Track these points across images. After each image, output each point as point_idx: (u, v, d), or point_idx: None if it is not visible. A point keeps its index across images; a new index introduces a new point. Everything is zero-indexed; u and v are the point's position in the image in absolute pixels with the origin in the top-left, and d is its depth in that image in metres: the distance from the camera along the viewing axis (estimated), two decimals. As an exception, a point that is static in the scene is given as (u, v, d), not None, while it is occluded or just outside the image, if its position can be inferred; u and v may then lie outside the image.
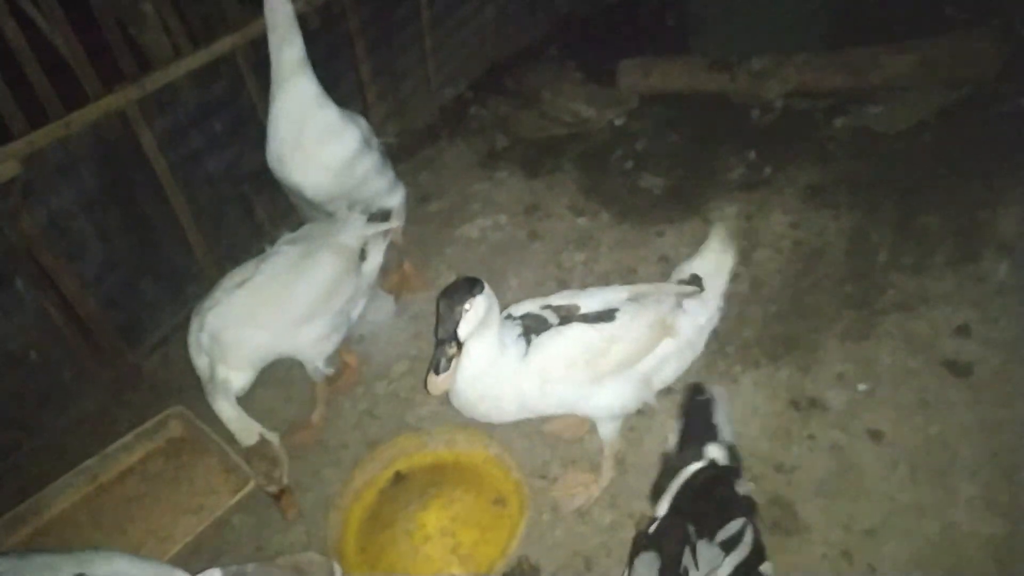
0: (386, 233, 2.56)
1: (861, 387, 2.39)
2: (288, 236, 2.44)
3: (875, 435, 2.25)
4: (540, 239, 3.24)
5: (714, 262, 2.16)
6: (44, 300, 2.52)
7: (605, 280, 2.95)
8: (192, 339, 2.21)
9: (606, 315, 1.95)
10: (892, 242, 2.90)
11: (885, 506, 2.07)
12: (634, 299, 2.00)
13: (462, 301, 1.71)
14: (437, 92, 4.25)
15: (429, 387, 1.74)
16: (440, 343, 1.72)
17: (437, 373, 1.72)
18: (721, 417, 1.76)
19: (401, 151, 3.85)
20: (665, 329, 1.99)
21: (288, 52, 2.24)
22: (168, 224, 2.87)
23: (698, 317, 2.06)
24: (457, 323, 1.71)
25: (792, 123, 3.68)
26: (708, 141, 3.68)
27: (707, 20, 4.14)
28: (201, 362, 2.22)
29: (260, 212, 3.26)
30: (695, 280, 2.12)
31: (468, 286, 1.72)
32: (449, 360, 1.74)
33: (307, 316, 2.23)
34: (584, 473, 2.27)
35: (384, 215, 2.59)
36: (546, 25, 5.03)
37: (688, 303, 2.05)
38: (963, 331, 2.50)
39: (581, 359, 1.89)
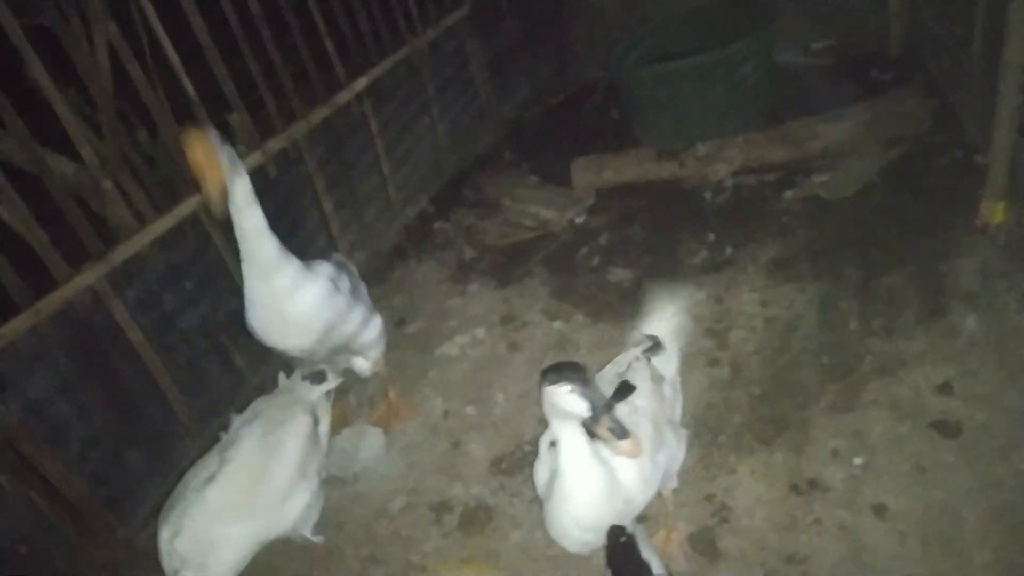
0: (329, 392, 2.60)
1: (857, 461, 2.40)
2: (239, 418, 2.44)
3: (879, 510, 2.24)
4: (520, 350, 3.27)
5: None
6: (27, 489, 2.47)
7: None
8: (164, 549, 2.06)
9: (626, 388, 2.08)
10: (860, 307, 2.96)
11: (903, 585, 2.04)
12: (623, 370, 2.19)
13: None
14: (400, 212, 4.35)
15: (631, 451, 1.68)
16: (600, 413, 1.66)
17: (626, 436, 1.66)
18: (647, 552, 1.78)
19: (372, 275, 3.90)
20: (656, 377, 2.19)
21: (248, 222, 2.30)
22: (147, 389, 2.86)
23: (670, 358, 2.32)
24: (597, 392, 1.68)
25: (744, 201, 3.81)
26: (668, 228, 3.78)
27: (649, 112, 4.32)
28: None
29: (239, 359, 3.26)
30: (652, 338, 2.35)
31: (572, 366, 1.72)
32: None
33: (288, 492, 2.22)
34: None
35: (320, 375, 2.61)
36: (497, 132, 5.22)
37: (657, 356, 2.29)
38: (945, 389, 2.53)
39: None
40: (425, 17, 4.50)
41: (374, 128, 4.03)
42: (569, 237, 3.95)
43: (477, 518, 2.59)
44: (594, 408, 1.68)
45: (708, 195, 3.91)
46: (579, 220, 4.04)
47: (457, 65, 4.93)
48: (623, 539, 1.80)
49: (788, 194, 3.71)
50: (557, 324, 3.36)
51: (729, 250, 3.48)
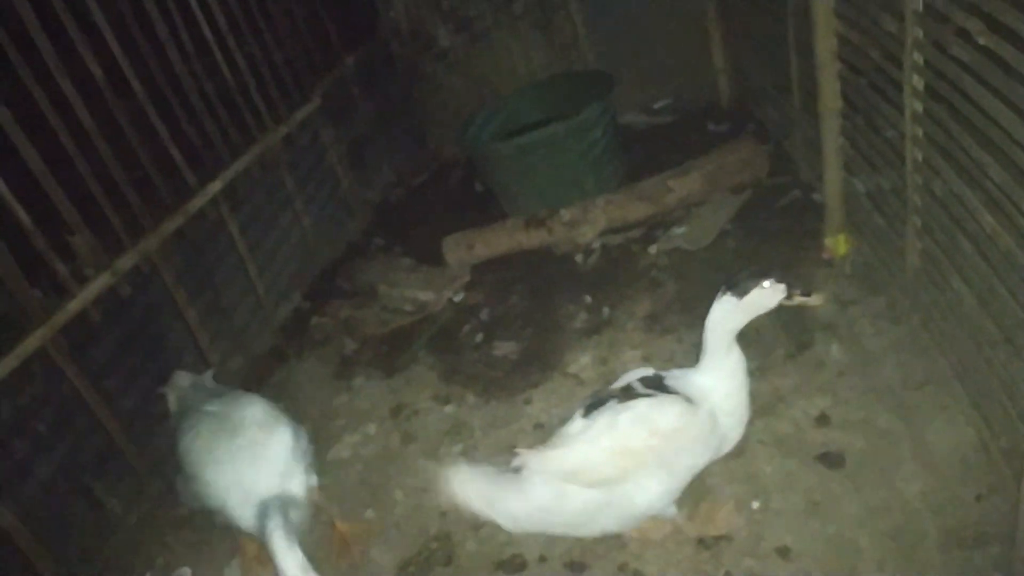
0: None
1: (755, 505, 2.45)
2: None
3: (783, 552, 2.29)
4: (414, 440, 3.18)
5: None
6: None
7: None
8: None
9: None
10: (735, 350, 3.08)
11: (817, 624, 2.08)
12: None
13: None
14: (273, 312, 4.20)
15: (822, 302, 2.14)
16: (794, 286, 2.01)
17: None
18: None
19: (251, 382, 3.72)
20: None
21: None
22: (8, 556, 2.56)
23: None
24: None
25: (614, 260, 3.93)
26: (545, 295, 3.84)
27: (511, 184, 4.42)
28: None
29: (108, 499, 2.99)
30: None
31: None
32: None
33: None
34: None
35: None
36: (364, 218, 5.18)
37: None
38: (823, 420, 2.66)
39: None
40: (275, 113, 4.44)
41: (234, 231, 3.90)
42: (450, 316, 3.93)
43: (390, 632, 2.45)
44: (790, 284, 2.00)
45: (579, 258, 4.01)
46: (457, 298, 4.04)
47: (315, 156, 4.88)
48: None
49: (653, 248, 3.86)
50: (449, 408, 3.30)
51: (606, 310, 3.56)
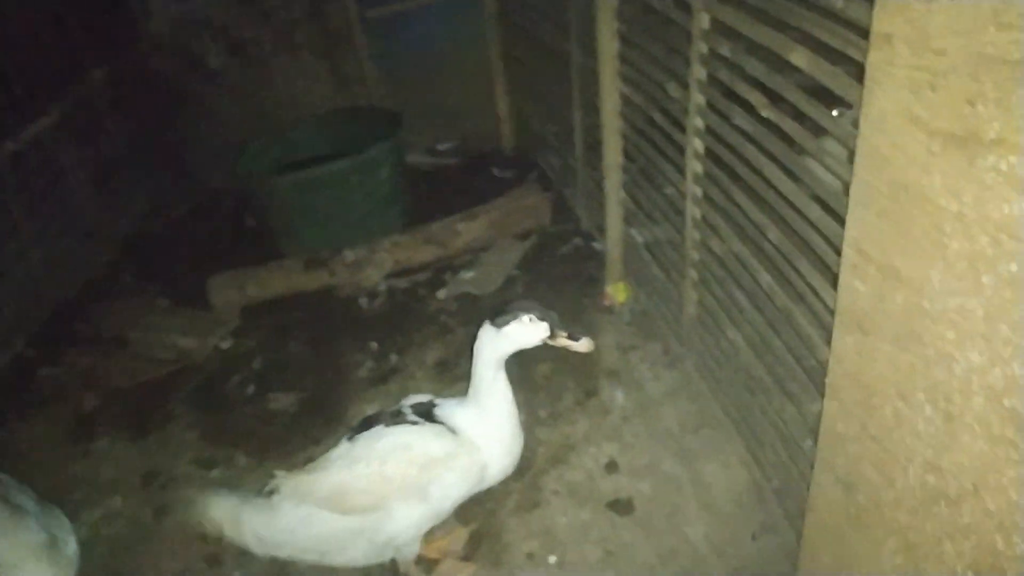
0: None
1: (551, 559, 2.41)
2: None
3: (582, 607, 2.25)
4: (169, 513, 2.75)
5: None
6: None
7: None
8: None
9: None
10: (526, 398, 3.05)
11: None
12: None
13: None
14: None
15: (591, 346, 2.03)
16: (557, 326, 2.01)
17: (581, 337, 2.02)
18: None
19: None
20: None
21: None
22: None
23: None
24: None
25: (401, 303, 3.78)
26: (327, 341, 3.57)
27: (289, 221, 4.11)
28: None
29: None
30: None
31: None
32: None
33: None
34: None
35: None
36: (111, 252, 4.54)
37: None
38: (612, 467, 2.70)
39: None
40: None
41: (-60, 262, 3.19)
42: (216, 366, 3.51)
43: None
44: (552, 324, 2.00)
45: (364, 301, 3.80)
46: (225, 345, 3.62)
47: (50, 179, 4.19)
48: None
49: (441, 293, 3.77)
50: (215, 473, 2.91)
51: (394, 357, 3.39)
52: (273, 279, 3.87)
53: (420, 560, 2.35)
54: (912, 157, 1.14)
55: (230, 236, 4.64)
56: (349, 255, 3.85)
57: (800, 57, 1.69)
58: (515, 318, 1.97)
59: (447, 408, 2.15)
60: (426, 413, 2.14)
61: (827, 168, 1.66)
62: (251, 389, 3.34)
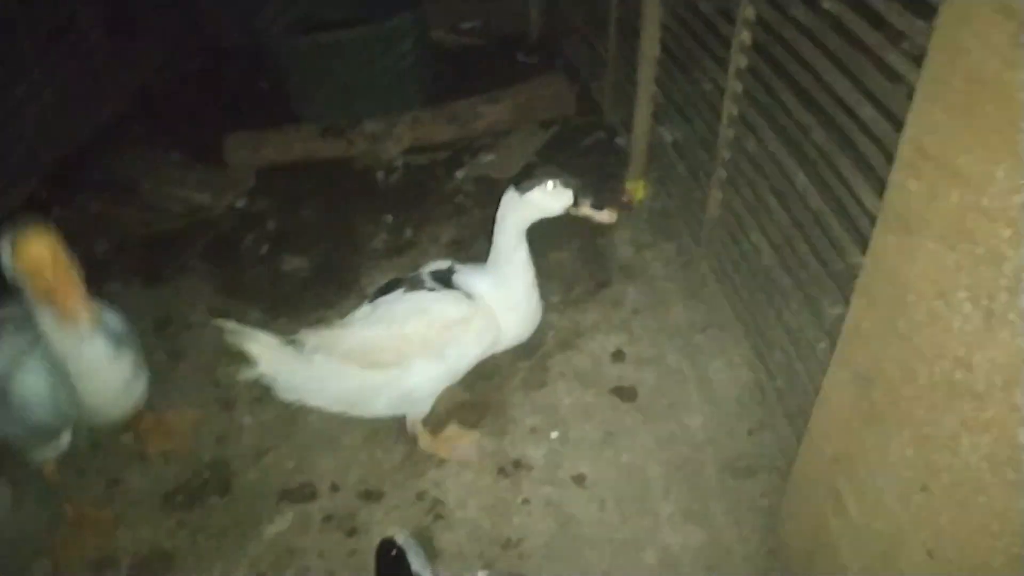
0: None
1: (553, 435, 2.49)
2: None
3: (579, 480, 2.35)
4: (183, 357, 2.82)
5: None
6: None
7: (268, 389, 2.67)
8: None
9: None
10: (539, 283, 3.08)
11: (607, 549, 2.17)
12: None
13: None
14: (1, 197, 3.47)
15: (613, 217, 2.04)
16: (581, 194, 1.99)
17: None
18: (417, 564, 1.74)
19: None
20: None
21: None
22: None
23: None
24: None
25: (417, 180, 3.75)
26: (342, 210, 3.56)
27: (307, 85, 4.01)
28: None
29: None
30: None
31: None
32: None
33: None
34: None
35: None
36: (122, 101, 4.44)
37: None
38: (618, 356, 2.76)
39: None
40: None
41: (-49, 92, 3.12)
42: (230, 224, 3.51)
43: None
44: (576, 192, 1.97)
45: (380, 175, 3.77)
46: (240, 204, 3.61)
47: (62, 19, 4.06)
48: (391, 553, 1.72)
49: (459, 173, 3.74)
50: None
51: (408, 232, 3.39)
52: (290, 143, 3.81)
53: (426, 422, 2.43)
54: (995, 48, 1.11)
55: (244, 97, 4.54)
56: (368, 126, 3.78)
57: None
58: (539, 183, 1.96)
59: (466, 274, 2.19)
60: (444, 279, 2.18)
61: (891, 65, 1.62)
62: (264, 249, 3.36)
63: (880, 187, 1.58)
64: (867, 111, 1.74)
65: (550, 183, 1.96)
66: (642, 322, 2.88)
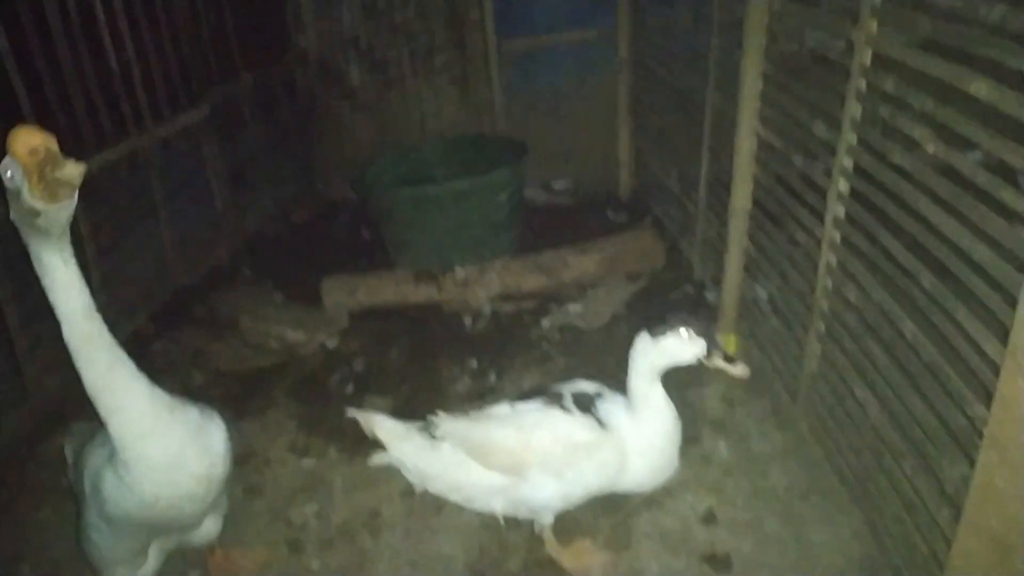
0: None
1: (639, 604, 2.27)
2: None
3: (666, 658, 2.10)
4: (260, 494, 2.78)
5: None
6: None
7: (341, 532, 2.58)
8: None
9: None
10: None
11: None
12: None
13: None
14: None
15: (743, 373, 2.03)
16: (713, 346, 2.02)
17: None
18: None
19: (74, 411, 3.15)
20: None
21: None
22: None
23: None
24: None
25: (504, 327, 3.76)
26: (427, 354, 3.58)
27: (405, 235, 4.20)
28: None
29: None
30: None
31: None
32: None
33: None
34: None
35: None
36: (235, 246, 4.74)
37: None
38: (709, 519, 2.54)
39: None
40: (156, 112, 4.02)
41: (83, 229, 3.40)
42: (320, 362, 3.57)
43: None
44: (709, 343, 1.99)
45: (468, 321, 3.81)
46: (331, 344, 3.69)
47: (192, 169, 4.46)
48: None
49: (546, 322, 3.73)
50: (307, 462, 2.92)
51: (492, 377, 3.35)
52: (383, 287, 3.93)
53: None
54: None
55: (346, 246, 4.78)
56: (460, 272, 3.88)
57: (981, 87, 1.59)
58: (673, 330, 1.99)
59: (608, 403, 2.20)
60: (584, 404, 2.20)
61: (1005, 202, 1.53)
62: (350, 388, 3.37)
63: (1002, 332, 1.45)
64: (982, 252, 1.63)
65: (684, 331, 1.99)
66: (735, 483, 2.67)
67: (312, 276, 4.07)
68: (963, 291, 1.74)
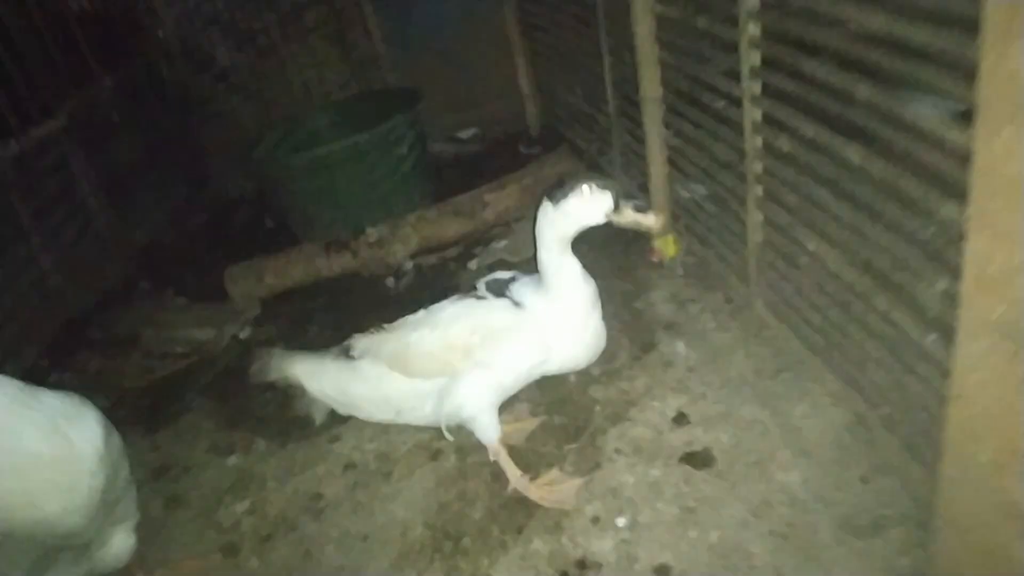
0: None
1: (621, 522, 2.03)
2: None
3: (663, 571, 1.87)
4: (183, 504, 2.45)
5: None
6: None
7: (279, 524, 2.27)
8: None
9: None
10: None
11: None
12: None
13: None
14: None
15: (658, 222, 1.90)
16: (622, 198, 1.86)
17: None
18: None
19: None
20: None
21: None
22: None
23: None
24: None
25: (430, 280, 3.48)
26: (351, 324, 3.18)
27: (308, 206, 3.86)
28: None
29: None
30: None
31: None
32: None
33: None
34: None
35: None
36: (127, 262, 4.32)
37: None
38: (681, 419, 2.32)
39: None
40: (3, 124, 3.58)
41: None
42: (233, 356, 3.23)
43: None
44: (616, 195, 1.84)
45: (390, 281, 3.51)
46: (243, 335, 3.35)
47: (60, 186, 4.01)
48: None
49: (472, 264, 3.46)
50: (232, 459, 2.60)
51: (425, 331, 3.06)
52: (292, 266, 3.59)
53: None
54: None
55: (251, 238, 4.40)
56: (372, 233, 3.57)
57: None
58: (574, 190, 1.84)
59: (521, 285, 2.11)
60: (499, 289, 2.13)
61: None
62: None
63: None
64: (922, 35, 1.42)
65: (586, 187, 1.84)
66: (701, 378, 2.46)
67: (217, 274, 3.70)
68: (907, 88, 1.53)
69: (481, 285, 2.17)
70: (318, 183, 3.71)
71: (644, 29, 2.79)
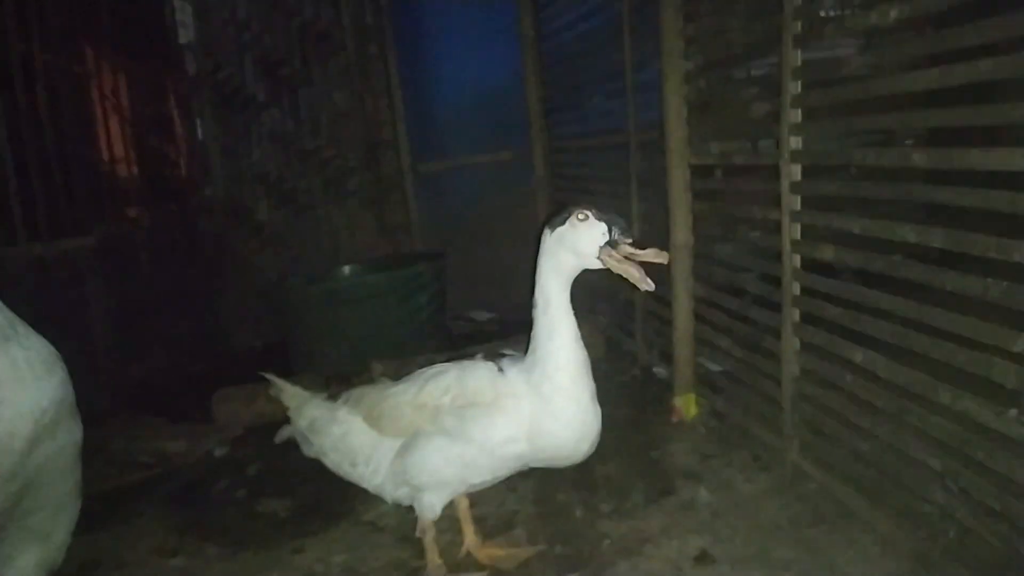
0: None
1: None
2: None
3: None
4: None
5: None
6: None
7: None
8: None
9: None
10: (582, 497, 2.40)
11: None
12: None
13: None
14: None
15: (660, 257, 1.64)
16: (621, 230, 1.66)
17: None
18: None
19: None
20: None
21: None
22: None
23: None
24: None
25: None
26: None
27: (318, 339, 3.74)
28: None
29: None
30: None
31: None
32: None
33: None
34: None
35: None
36: (114, 393, 4.09)
37: None
38: (704, 558, 1.98)
39: None
40: (32, 225, 3.61)
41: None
42: (202, 471, 2.91)
43: None
44: (613, 227, 1.65)
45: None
46: (219, 452, 3.05)
47: (70, 301, 3.95)
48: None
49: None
50: (176, 561, 2.22)
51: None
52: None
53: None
54: None
55: (252, 370, 4.20)
56: (376, 368, 3.38)
57: None
58: (570, 214, 1.70)
59: (515, 359, 1.92)
60: (495, 361, 1.95)
61: None
62: (241, 493, 2.72)
63: None
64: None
65: (582, 214, 1.69)
66: (727, 523, 2.15)
67: (204, 407, 3.48)
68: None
69: (479, 356, 2.02)
70: (332, 316, 3.63)
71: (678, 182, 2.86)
